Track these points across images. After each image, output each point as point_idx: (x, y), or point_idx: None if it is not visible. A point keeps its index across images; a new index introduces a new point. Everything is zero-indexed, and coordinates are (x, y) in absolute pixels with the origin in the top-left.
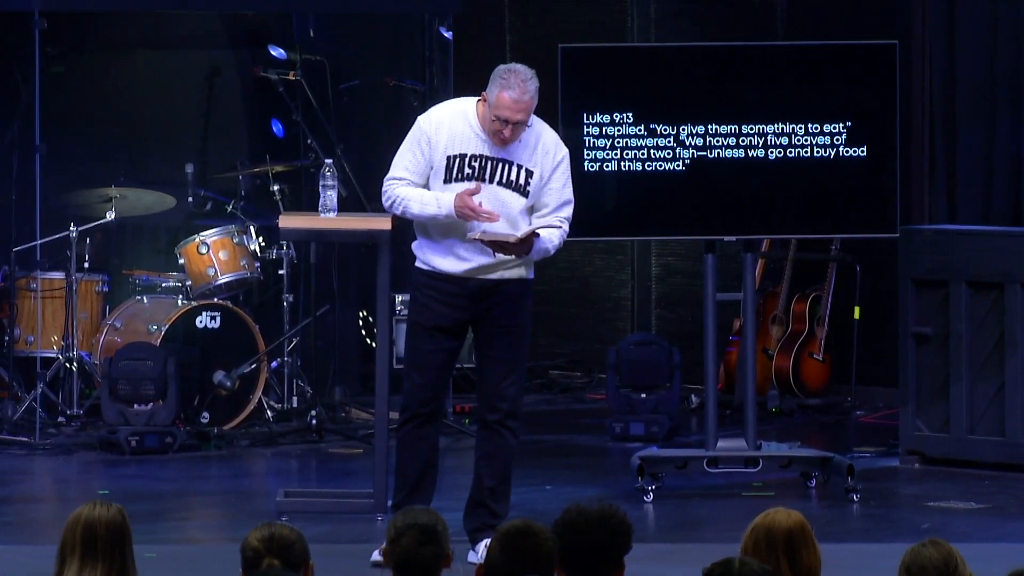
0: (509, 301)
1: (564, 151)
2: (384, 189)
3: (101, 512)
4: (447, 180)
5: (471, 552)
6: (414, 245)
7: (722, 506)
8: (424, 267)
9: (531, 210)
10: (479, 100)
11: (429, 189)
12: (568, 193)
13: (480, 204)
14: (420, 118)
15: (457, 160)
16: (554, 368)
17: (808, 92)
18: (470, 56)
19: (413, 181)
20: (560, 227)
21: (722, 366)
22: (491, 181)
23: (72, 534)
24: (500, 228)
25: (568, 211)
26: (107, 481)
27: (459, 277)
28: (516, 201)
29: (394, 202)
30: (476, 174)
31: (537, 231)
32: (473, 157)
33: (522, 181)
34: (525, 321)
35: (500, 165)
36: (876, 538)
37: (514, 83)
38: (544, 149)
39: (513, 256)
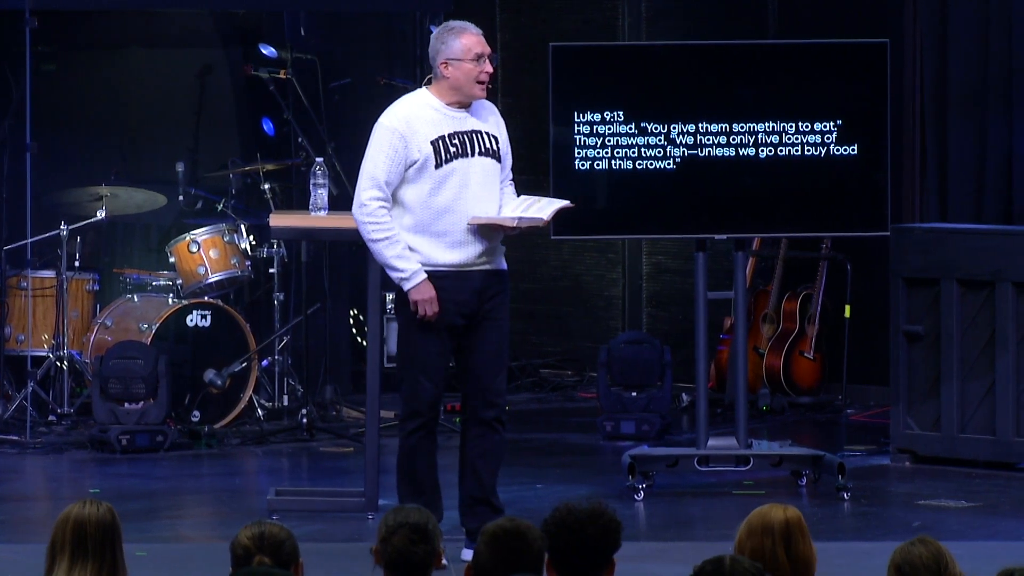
0: (500, 294)
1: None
2: (362, 203)
3: (91, 511)
4: (438, 165)
5: (466, 550)
6: None
7: (713, 505)
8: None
9: None
10: (425, 86)
11: (408, 187)
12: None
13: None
14: (383, 121)
15: (440, 142)
16: (545, 367)
17: (799, 90)
18: None
19: (387, 197)
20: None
21: (713, 365)
22: (474, 154)
23: (62, 533)
24: (489, 204)
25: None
26: (98, 480)
27: (461, 272)
28: (495, 168)
29: (379, 230)
30: (460, 149)
31: (521, 216)
32: (451, 135)
33: (494, 146)
34: (508, 314)
35: (475, 136)
36: (867, 536)
37: (461, 27)
38: (490, 111)
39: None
